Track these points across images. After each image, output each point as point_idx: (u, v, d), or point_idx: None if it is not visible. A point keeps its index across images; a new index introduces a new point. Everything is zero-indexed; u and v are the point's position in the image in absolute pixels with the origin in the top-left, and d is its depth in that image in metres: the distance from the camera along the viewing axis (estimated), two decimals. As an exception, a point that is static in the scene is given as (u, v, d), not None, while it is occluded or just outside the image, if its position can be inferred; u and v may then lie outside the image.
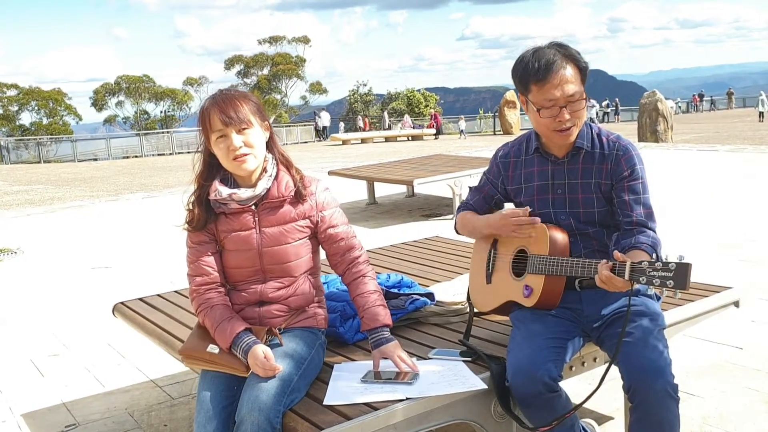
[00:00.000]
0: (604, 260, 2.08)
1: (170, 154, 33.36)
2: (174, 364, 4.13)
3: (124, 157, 33.37)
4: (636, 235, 2.24)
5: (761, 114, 35.79)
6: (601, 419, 3.06)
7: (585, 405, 3.09)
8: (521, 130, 31.85)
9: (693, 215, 7.50)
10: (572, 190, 2.36)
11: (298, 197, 2.34)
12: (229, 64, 59.42)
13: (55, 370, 4.28)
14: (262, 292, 2.33)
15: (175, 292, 3.55)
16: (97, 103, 55.11)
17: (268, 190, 2.32)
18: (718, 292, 2.89)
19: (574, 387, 2.63)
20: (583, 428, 2.45)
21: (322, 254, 2.48)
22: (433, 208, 9.16)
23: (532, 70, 2.24)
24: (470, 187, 2.67)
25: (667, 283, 1.92)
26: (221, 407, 2.13)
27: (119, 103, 55.72)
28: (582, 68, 2.27)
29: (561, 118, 2.24)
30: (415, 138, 33.49)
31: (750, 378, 3.41)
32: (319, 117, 38.49)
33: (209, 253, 2.34)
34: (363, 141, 32.37)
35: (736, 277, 4.89)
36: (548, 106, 2.24)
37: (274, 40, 59.68)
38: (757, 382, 3.36)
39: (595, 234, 2.37)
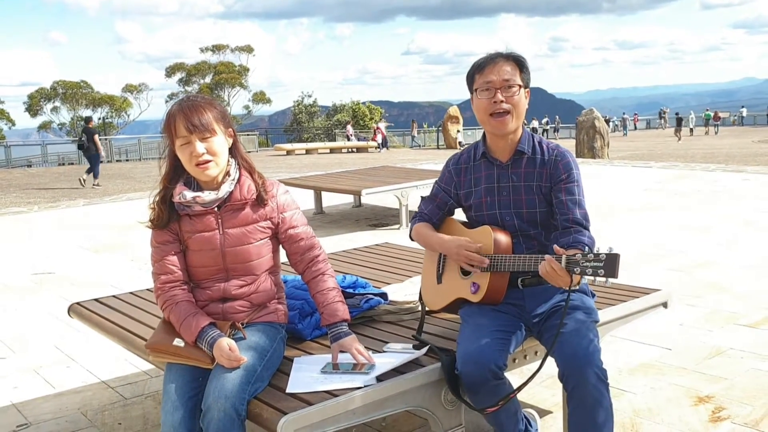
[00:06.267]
0: (548, 255, 2.27)
1: (108, 161, 32.65)
2: (125, 366, 4.18)
3: (60, 164, 32.51)
4: (574, 234, 2.45)
5: (691, 130, 39.32)
6: (541, 413, 3.25)
7: (525, 400, 3.30)
8: (466, 144, 32.48)
9: (627, 226, 7.86)
10: (516, 192, 2.56)
11: (260, 201, 2.46)
12: (171, 71, 58.60)
13: (3, 372, 4.26)
14: (226, 289, 2.44)
15: (131, 293, 3.61)
16: (32, 108, 53.59)
17: (231, 193, 2.43)
18: (648, 293, 3.14)
19: (514, 384, 2.81)
20: (525, 417, 2.64)
21: (282, 254, 2.61)
22: (380, 218, 9.32)
23: (476, 63, 2.56)
24: (423, 197, 2.84)
25: (599, 272, 2.14)
26: (187, 397, 2.24)
27: (55, 109, 54.32)
28: (521, 64, 2.52)
29: (495, 99, 2.48)
30: (359, 150, 33.70)
31: (677, 375, 3.67)
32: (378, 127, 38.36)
33: (173, 253, 2.44)
34: (307, 152, 32.41)
35: (666, 284, 5.20)
36: (485, 88, 2.50)
37: (217, 48, 59.19)
38: (682, 378, 3.62)
39: (536, 235, 2.57)
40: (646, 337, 4.20)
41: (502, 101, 2.48)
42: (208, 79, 57.38)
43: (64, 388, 3.96)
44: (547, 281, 2.32)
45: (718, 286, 5.28)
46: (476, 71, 2.54)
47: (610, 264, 2.12)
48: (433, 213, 2.75)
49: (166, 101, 58.74)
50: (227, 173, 2.42)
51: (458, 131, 32.45)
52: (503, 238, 2.52)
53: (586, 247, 2.39)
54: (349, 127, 38.95)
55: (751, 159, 16.93)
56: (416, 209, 2.87)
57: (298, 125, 50.13)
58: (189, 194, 2.38)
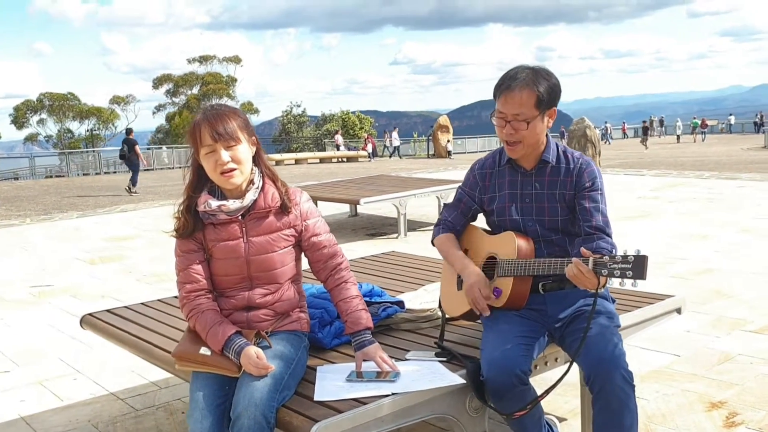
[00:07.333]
0: (575, 258, 2.28)
1: (96, 173, 32.48)
2: (133, 377, 4.16)
3: (47, 177, 32.29)
4: (597, 241, 2.46)
5: (678, 137, 41.31)
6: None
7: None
8: (456, 153, 32.68)
9: (624, 234, 7.90)
10: (539, 199, 2.57)
11: (284, 209, 2.47)
12: (158, 83, 58.60)
13: (8, 386, 4.22)
14: (250, 298, 2.44)
15: (143, 304, 3.59)
16: (18, 120, 53.38)
17: (255, 201, 2.43)
18: (662, 299, 3.16)
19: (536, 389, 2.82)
20: (547, 422, 2.65)
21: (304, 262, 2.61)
22: (377, 227, 9.33)
23: (499, 83, 2.53)
24: (445, 204, 2.85)
25: (627, 273, 2.15)
26: (215, 405, 2.23)
27: (41, 121, 54.15)
28: (538, 96, 2.46)
29: (506, 130, 2.50)
30: (350, 159, 33.73)
31: (687, 381, 3.69)
32: (390, 137, 38.47)
33: (198, 262, 2.44)
34: (297, 161, 32.40)
35: (669, 291, 5.21)
36: (498, 117, 2.53)
37: (204, 59, 59.31)
38: (693, 384, 3.64)
39: (558, 241, 2.59)
40: (654, 343, 4.22)
41: (511, 133, 2.50)
42: (195, 90, 57.42)
43: (72, 401, 3.93)
44: (571, 284, 2.34)
45: (721, 293, 5.32)
46: (497, 92, 2.53)
47: (639, 266, 2.14)
48: (457, 220, 2.76)
49: (154, 113, 58.76)
50: (251, 181, 2.43)
51: (448, 141, 32.56)
52: (525, 244, 2.53)
53: (609, 253, 2.40)
54: (338, 136, 38.97)
55: (742, 166, 17.07)
56: (438, 216, 2.88)
57: (287, 135, 50.15)
58: (214, 203, 2.38)
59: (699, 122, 46.32)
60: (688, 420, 3.25)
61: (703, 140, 42.74)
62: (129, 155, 17.69)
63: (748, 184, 11.98)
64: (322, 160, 33.48)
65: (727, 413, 3.29)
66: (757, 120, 52.27)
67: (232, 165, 2.35)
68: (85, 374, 4.32)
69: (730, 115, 59.72)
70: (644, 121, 42.04)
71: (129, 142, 17.92)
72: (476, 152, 37.87)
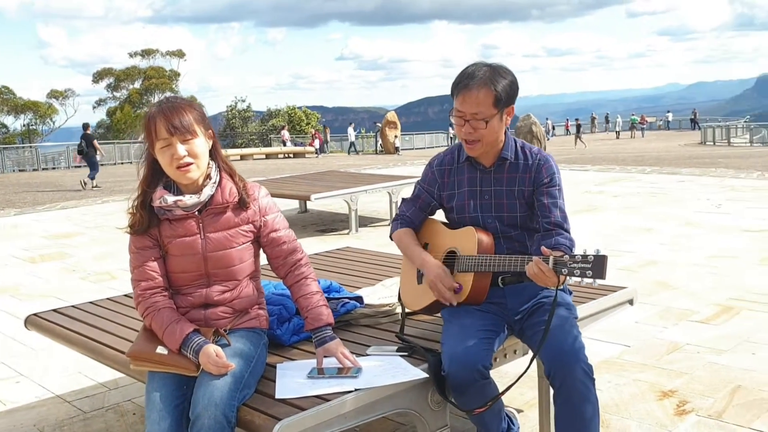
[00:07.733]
0: (535, 257, 2.29)
1: (34, 170, 31.47)
2: (80, 379, 4.03)
3: (-22, 173, 31.11)
4: (555, 237, 2.49)
5: (617, 133, 42.70)
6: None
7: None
8: (403, 150, 32.74)
9: (573, 228, 8.02)
10: (498, 196, 2.58)
11: (242, 204, 2.41)
12: (98, 77, 57.08)
13: (-53, 390, 4.05)
14: (207, 295, 2.38)
15: (91, 302, 3.48)
16: (-54, 114, 51.27)
17: (212, 196, 2.37)
18: (615, 291, 3.21)
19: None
20: (507, 415, 2.67)
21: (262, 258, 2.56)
22: (327, 223, 9.27)
23: (456, 81, 2.51)
24: (404, 199, 2.84)
25: (587, 273, 2.17)
26: (173, 406, 2.17)
27: (-28, 115, 52.12)
28: (495, 95, 2.45)
29: (464, 129, 2.49)
30: (296, 155, 33.48)
31: (638, 371, 3.77)
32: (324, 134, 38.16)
33: (153, 258, 2.37)
34: (242, 157, 32.00)
35: (616, 283, 5.32)
36: (457, 116, 2.51)
37: (146, 53, 57.99)
38: (644, 374, 3.72)
39: (517, 236, 2.60)
40: (604, 334, 4.29)
41: (470, 132, 2.49)
42: (137, 85, 56.16)
43: (16, 404, 3.79)
44: (530, 280, 2.35)
45: (666, 285, 5.45)
46: (455, 90, 2.51)
47: (598, 265, 2.16)
48: (415, 216, 2.75)
49: (94, 107, 57.22)
50: (208, 176, 2.37)
51: (396, 136, 32.65)
52: (486, 239, 2.54)
53: (568, 249, 2.43)
54: (284, 132, 38.64)
55: (681, 162, 17.54)
56: (397, 210, 2.86)
57: (232, 131, 49.47)
58: (170, 198, 2.31)
59: (638, 119, 47.54)
60: (640, 409, 3.31)
61: (642, 136, 43.87)
62: (87, 150, 17.65)
63: (688, 179, 12.34)
64: (268, 156, 33.15)
65: (678, 401, 3.37)
66: (692, 117, 54.02)
67: (188, 159, 2.28)
68: (28, 377, 4.17)
69: (668, 112, 61.57)
70: (577, 119, 43.25)
71: (87, 138, 17.88)
72: (424, 148, 38.07)
